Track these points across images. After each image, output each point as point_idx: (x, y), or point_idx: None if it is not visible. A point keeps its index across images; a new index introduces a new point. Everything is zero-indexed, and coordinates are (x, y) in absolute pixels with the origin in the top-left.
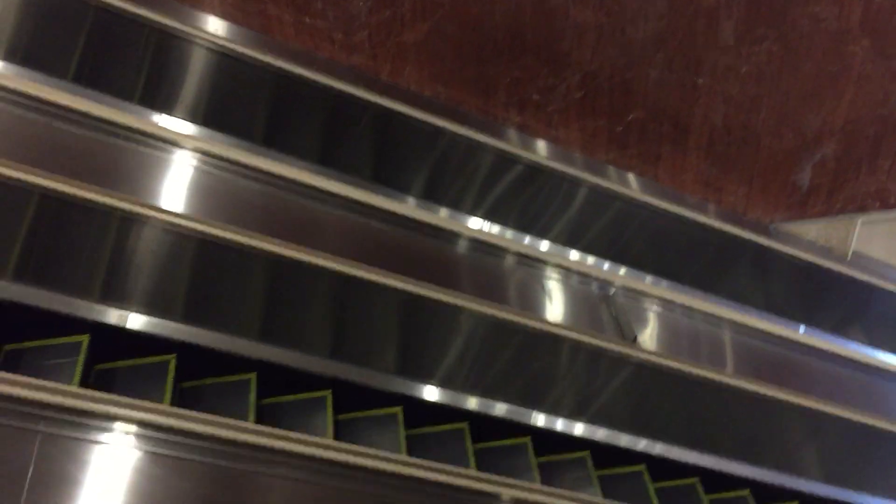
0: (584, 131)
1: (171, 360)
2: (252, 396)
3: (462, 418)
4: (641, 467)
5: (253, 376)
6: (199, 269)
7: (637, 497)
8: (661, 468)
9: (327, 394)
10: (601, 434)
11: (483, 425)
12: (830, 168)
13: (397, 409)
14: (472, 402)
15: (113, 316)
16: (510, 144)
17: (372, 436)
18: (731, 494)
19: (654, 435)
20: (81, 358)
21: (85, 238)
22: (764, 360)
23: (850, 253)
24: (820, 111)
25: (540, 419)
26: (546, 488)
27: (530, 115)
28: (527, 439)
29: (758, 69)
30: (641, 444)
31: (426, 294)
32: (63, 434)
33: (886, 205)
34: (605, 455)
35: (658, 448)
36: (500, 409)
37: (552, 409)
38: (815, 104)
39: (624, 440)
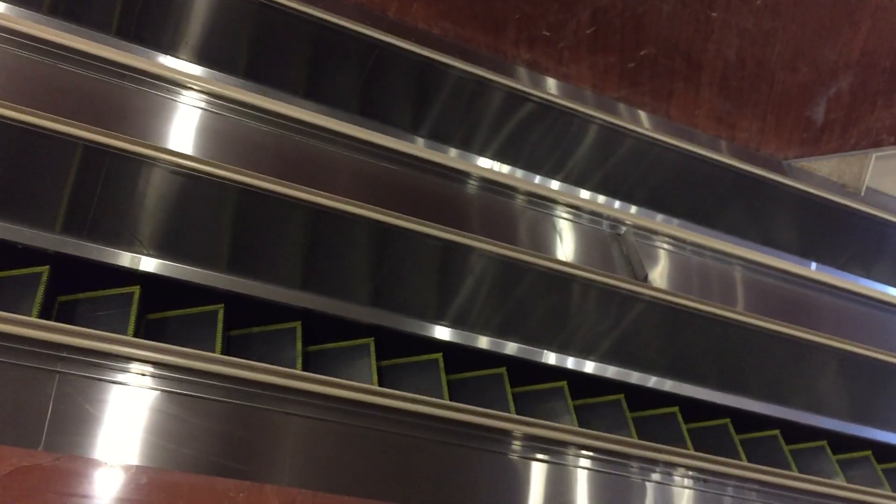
0: (595, 68)
1: (220, 309)
2: (299, 344)
3: (470, 358)
4: (675, 409)
5: (298, 325)
6: (218, 216)
7: (672, 437)
8: (684, 407)
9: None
10: (612, 371)
11: (490, 362)
12: (845, 102)
13: (437, 356)
14: (483, 342)
15: (156, 265)
16: (520, 82)
17: (415, 380)
18: (761, 434)
19: (665, 373)
20: (134, 308)
21: (98, 181)
22: (775, 297)
23: (863, 189)
24: (836, 44)
25: (550, 357)
26: (550, 423)
27: (540, 52)
28: (563, 383)
29: (773, 1)
30: (651, 381)
31: (435, 234)
32: (81, 374)
33: None
34: (634, 397)
35: (668, 385)
36: (510, 347)
37: (561, 348)
38: (831, 37)
39: (634, 377)
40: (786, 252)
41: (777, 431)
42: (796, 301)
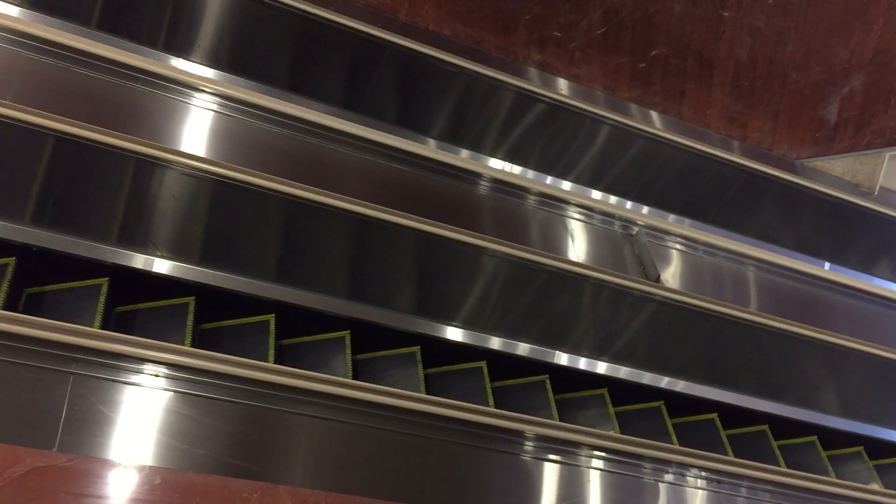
0: (607, 68)
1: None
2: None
3: (483, 358)
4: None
5: (272, 318)
6: (221, 213)
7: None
8: (683, 405)
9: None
10: (624, 372)
11: (504, 364)
12: (858, 101)
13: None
14: (496, 342)
15: (135, 260)
16: (531, 83)
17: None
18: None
19: (675, 372)
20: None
21: (109, 183)
22: (789, 297)
23: (877, 188)
24: (848, 43)
25: (563, 358)
26: (562, 424)
27: (551, 53)
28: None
29: (785, 0)
30: (664, 382)
31: (449, 235)
32: (95, 375)
33: None
34: (624, 392)
35: (680, 385)
36: (523, 348)
37: (574, 349)
38: (843, 36)
39: (646, 378)
40: (799, 252)
41: (766, 426)
42: (809, 301)
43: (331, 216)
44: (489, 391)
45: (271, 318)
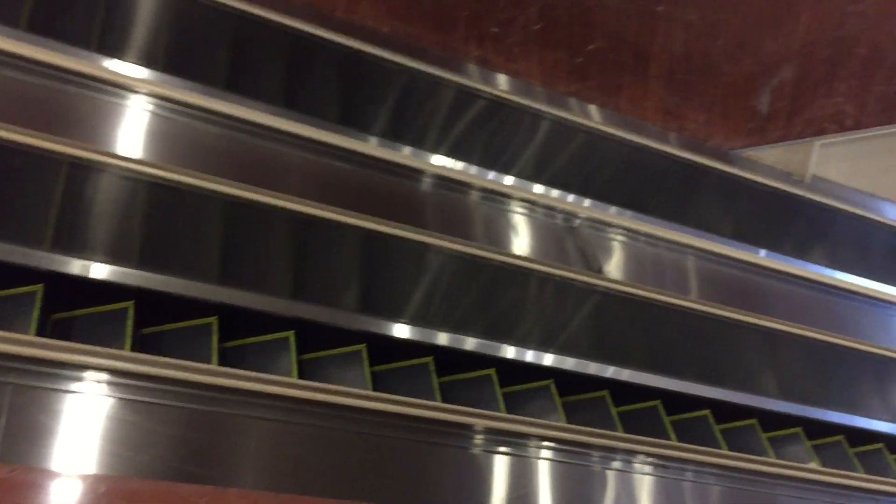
0: (545, 63)
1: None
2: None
3: (429, 353)
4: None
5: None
6: (158, 215)
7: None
8: (629, 393)
9: (290, 334)
10: (569, 363)
11: (450, 359)
12: (788, 92)
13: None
14: (442, 338)
15: (70, 265)
16: (470, 79)
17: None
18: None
19: (620, 362)
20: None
21: (40, 187)
22: (727, 285)
23: (808, 176)
24: (777, 35)
25: (509, 351)
26: (510, 416)
27: (490, 49)
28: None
29: None
30: (609, 372)
31: (391, 232)
32: (34, 385)
33: (843, 127)
34: (570, 383)
35: (626, 374)
36: (469, 343)
37: (520, 341)
38: (772, 28)
39: (591, 368)
40: (736, 239)
41: (708, 412)
42: (747, 287)
43: (273, 215)
44: (500, 398)
45: (291, 334)
